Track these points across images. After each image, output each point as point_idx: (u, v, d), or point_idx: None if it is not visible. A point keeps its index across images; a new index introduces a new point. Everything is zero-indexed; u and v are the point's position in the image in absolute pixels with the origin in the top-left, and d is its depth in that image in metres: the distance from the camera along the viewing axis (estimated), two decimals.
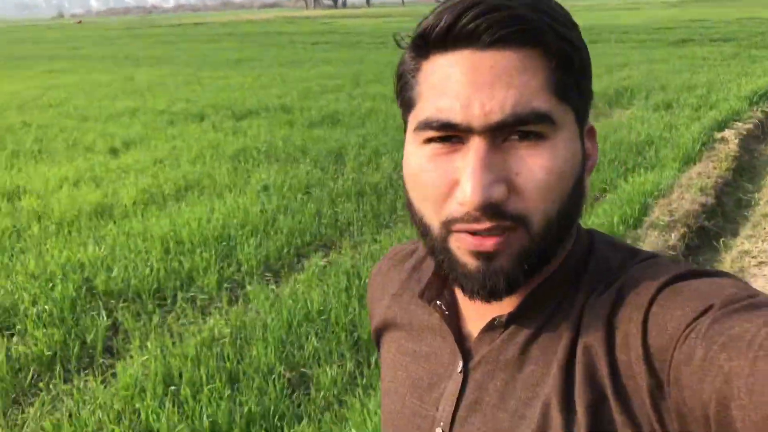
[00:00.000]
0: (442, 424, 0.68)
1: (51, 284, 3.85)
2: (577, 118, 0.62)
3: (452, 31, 0.58)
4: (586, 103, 0.64)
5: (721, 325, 0.51)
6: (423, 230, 0.63)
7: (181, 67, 17.87)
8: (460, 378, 0.69)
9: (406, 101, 0.64)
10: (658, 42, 18.98)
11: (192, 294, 3.82)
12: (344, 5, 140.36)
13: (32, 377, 3.04)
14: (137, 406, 2.74)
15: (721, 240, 4.33)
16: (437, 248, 0.62)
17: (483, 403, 0.66)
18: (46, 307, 3.57)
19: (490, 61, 0.57)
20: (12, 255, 4.46)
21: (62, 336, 3.32)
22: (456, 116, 0.57)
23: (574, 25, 0.61)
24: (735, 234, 4.49)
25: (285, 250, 4.42)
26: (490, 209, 0.57)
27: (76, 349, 3.22)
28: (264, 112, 9.86)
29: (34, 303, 3.63)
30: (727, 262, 3.97)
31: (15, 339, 3.35)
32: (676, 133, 7.01)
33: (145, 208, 5.45)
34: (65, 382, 3.02)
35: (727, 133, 6.82)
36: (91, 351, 3.27)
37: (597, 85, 11.15)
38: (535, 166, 0.58)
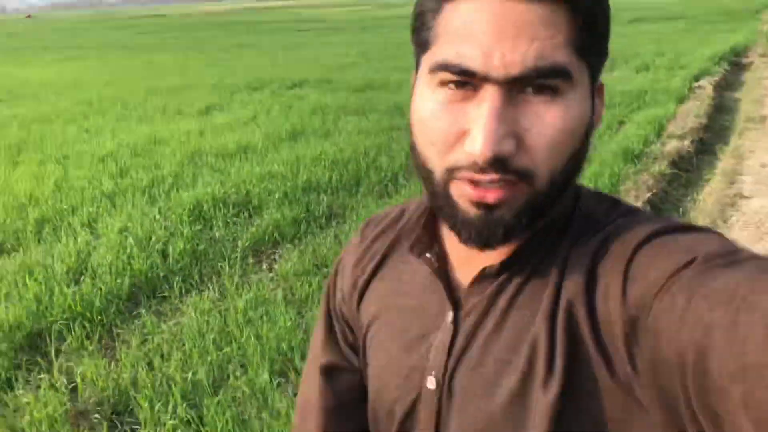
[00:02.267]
0: (434, 372, 0.69)
1: (265, 184, 5.45)
2: (592, 76, 0.62)
3: None
4: (602, 62, 0.63)
5: (704, 277, 0.51)
6: (425, 174, 0.63)
7: (188, 51, 19.15)
8: (450, 328, 0.69)
9: (422, 41, 0.63)
10: (614, 21, 21.11)
11: (366, 187, 5.47)
12: None
13: (300, 231, 4.66)
14: None
15: (718, 145, 6.20)
16: (438, 193, 0.62)
17: (470, 351, 0.67)
18: (277, 195, 5.19)
19: (516, 13, 0.56)
20: (210, 173, 6.03)
21: (300, 211, 4.93)
22: (476, 64, 0.56)
23: None
24: (726, 143, 6.36)
25: (405, 167, 6.09)
26: (498, 162, 0.57)
27: (319, 213, 4.86)
28: (306, 83, 11.43)
29: (267, 195, 5.24)
30: (726, 154, 5.83)
31: (267, 213, 4.94)
32: (662, 85, 8.90)
33: (274, 147, 7.03)
34: (321, 230, 4.66)
35: (703, 82, 8.77)
36: (321, 219, 4.89)
37: None
38: (547, 123, 0.57)
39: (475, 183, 0.59)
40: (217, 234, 4.55)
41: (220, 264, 4.13)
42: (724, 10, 21.63)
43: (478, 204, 0.59)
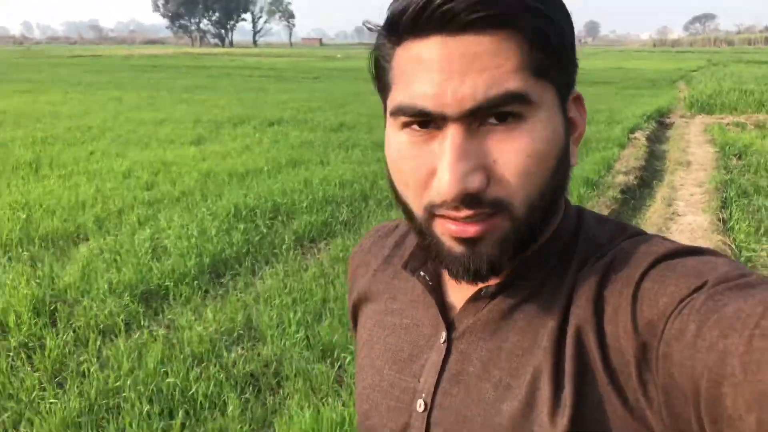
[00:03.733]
0: (423, 395, 0.68)
1: (289, 197, 6.39)
2: (559, 92, 0.61)
3: (421, 18, 0.56)
4: (569, 75, 0.62)
5: (715, 302, 0.50)
6: (407, 214, 0.64)
7: (150, 90, 19.81)
8: (443, 348, 0.68)
9: (383, 85, 0.64)
10: None
11: (374, 201, 6.48)
12: (231, 44, 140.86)
13: (332, 231, 5.61)
14: None
15: (654, 181, 7.57)
16: (423, 232, 0.62)
17: (466, 374, 0.66)
18: (304, 204, 6.13)
19: (462, 47, 0.56)
20: (231, 189, 6.89)
21: (326, 217, 5.88)
22: (429, 104, 0.57)
23: None
24: (661, 179, 7.74)
25: None
26: (469, 199, 0.57)
27: (342, 218, 5.83)
28: (284, 122, 12.43)
29: (293, 204, 6.18)
30: (662, 187, 7.18)
31: (302, 218, 5.86)
32: (604, 135, 10.39)
33: (278, 171, 7.96)
34: (348, 231, 5.63)
35: (638, 134, 10.31)
36: (346, 223, 5.85)
37: None
38: (514, 151, 0.57)
39: (454, 219, 0.59)
40: (264, 230, 5.45)
41: (274, 251, 5.03)
42: (646, 78, 24.09)
43: (461, 239, 0.59)
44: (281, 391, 3.12)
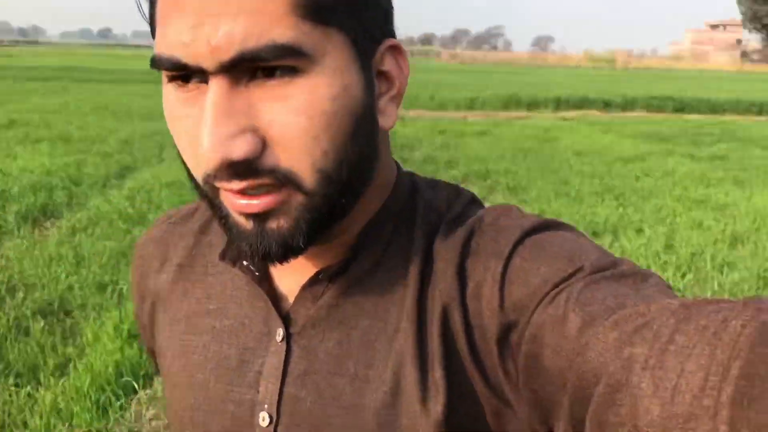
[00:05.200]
0: (266, 406, 0.58)
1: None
2: (356, 40, 0.49)
3: None
4: (371, 20, 0.51)
5: (594, 293, 0.47)
6: (193, 183, 0.53)
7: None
8: (282, 348, 0.58)
9: (151, 23, 0.51)
10: None
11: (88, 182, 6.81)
12: None
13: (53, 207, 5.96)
14: None
15: None
16: (212, 205, 0.52)
17: (314, 373, 0.57)
18: (16, 191, 6.21)
19: None
20: None
21: (44, 197, 6.17)
22: (183, 54, 0.46)
23: None
24: None
25: None
26: (239, 168, 0.46)
27: (59, 201, 6.14)
28: None
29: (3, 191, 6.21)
30: None
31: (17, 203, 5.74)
32: None
33: None
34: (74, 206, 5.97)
35: None
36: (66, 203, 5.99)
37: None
38: (290, 111, 0.46)
39: (238, 191, 0.48)
40: None
41: (3, 231, 5.21)
42: None
43: (248, 215, 0.50)
44: None
